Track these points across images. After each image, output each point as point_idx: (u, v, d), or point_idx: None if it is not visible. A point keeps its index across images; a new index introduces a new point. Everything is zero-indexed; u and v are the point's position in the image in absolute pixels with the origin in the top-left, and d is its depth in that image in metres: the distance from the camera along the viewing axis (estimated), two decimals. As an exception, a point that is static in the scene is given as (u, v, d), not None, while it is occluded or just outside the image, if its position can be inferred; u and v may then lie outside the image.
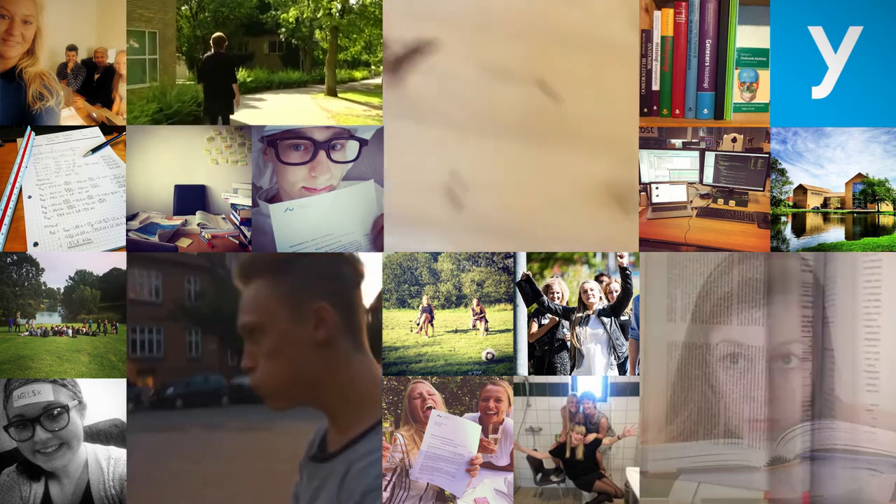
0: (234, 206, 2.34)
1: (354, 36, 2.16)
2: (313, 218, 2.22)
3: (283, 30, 2.25)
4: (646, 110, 2.33)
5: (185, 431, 2.44)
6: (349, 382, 1.52)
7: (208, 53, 2.36)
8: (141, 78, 2.30)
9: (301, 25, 2.24)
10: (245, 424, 2.40)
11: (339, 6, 2.18)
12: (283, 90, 2.28)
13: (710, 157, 2.37)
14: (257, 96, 2.32)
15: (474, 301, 2.38)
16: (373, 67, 2.18)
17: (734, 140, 2.33)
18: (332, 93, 2.26)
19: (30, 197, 2.29)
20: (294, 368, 1.51)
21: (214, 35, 2.33)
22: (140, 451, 2.26)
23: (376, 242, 2.25)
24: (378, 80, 2.15)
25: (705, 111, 2.34)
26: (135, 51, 2.26)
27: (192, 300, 2.43)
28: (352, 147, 2.25)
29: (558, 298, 2.39)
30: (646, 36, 2.31)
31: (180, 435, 2.43)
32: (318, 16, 2.19)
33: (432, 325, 2.38)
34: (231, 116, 2.32)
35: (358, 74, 2.28)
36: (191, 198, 2.38)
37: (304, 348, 1.51)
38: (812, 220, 2.33)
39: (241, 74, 2.36)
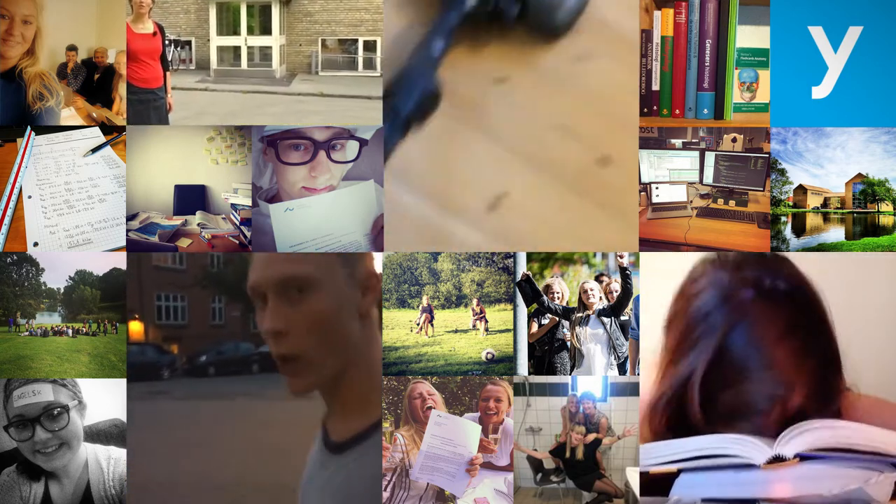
0: (234, 206, 2.34)
1: None
2: (313, 218, 2.22)
3: None
4: (646, 110, 2.33)
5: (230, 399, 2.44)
6: (366, 366, 1.35)
7: None
8: None
9: None
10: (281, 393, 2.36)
11: None
12: None
13: (710, 157, 2.37)
14: None
15: (474, 301, 2.38)
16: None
17: (734, 140, 2.33)
18: None
19: (30, 197, 2.29)
20: (339, 338, 1.30)
21: None
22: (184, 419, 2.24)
23: (376, 242, 2.25)
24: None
25: (705, 111, 2.34)
26: None
27: (217, 266, 2.40)
28: (352, 147, 2.25)
29: (558, 298, 2.39)
30: (646, 36, 2.31)
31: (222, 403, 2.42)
32: None
33: (432, 325, 2.38)
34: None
35: None
36: (191, 198, 2.38)
37: (350, 316, 1.32)
38: (812, 220, 2.33)
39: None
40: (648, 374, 2.04)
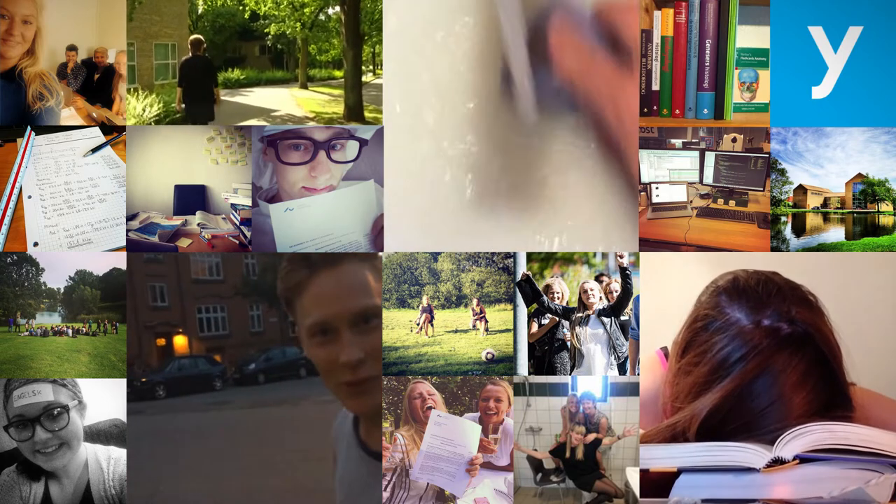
0: (234, 206, 2.34)
1: (322, 44, 2.51)
2: (313, 218, 2.23)
3: (270, 37, 2.50)
4: (646, 110, 2.33)
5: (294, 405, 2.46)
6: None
7: (186, 57, 2.39)
8: (166, 76, 2.44)
9: (285, 35, 2.50)
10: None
11: (309, 21, 2.47)
12: (268, 86, 2.54)
13: (710, 157, 2.37)
14: (248, 90, 2.51)
15: (474, 301, 2.38)
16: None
17: (734, 140, 2.33)
18: (304, 86, 2.53)
19: (30, 197, 2.29)
20: (380, 358, 1.53)
21: (192, 37, 2.36)
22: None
23: (376, 242, 2.25)
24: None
25: (705, 111, 2.34)
26: (161, 57, 2.44)
27: (254, 274, 2.45)
28: (352, 147, 2.25)
29: (558, 298, 2.39)
30: (646, 36, 2.31)
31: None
32: (289, 31, 2.48)
33: (432, 325, 2.38)
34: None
35: (339, 73, 2.47)
36: (191, 198, 2.38)
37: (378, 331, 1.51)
38: (812, 220, 2.33)
39: (235, 73, 2.46)
40: (650, 383, 2.06)
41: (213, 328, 2.47)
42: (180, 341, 2.42)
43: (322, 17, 2.47)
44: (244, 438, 2.36)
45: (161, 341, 2.39)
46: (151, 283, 2.38)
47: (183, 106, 2.37)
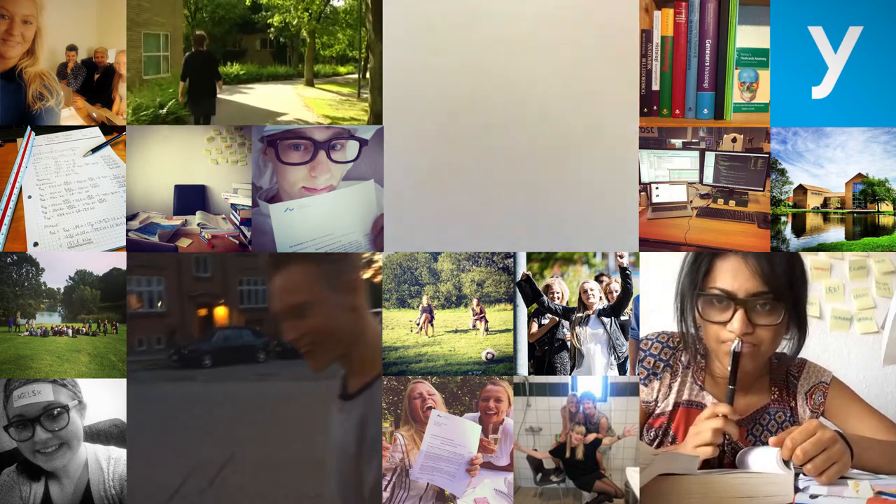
0: (234, 206, 2.35)
1: (326, 38, 2.43)
2: (313, 218, 2.22)
3: (273, 29, 2.43)
4: (646, 110, 2.33)
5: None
6: (364, 338, 1.94)
7: (190, 52, 2.37)
8: (157, 70, 2.40)
9: (288, 27, 2.44)
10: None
11: (317, 11, 2.40)
12: (270, 82, 2.46)
13: (710, 157, 2.37)
14: (249, 86, 2.46)
15: (474, 301, 2.38)
16: (361, 62, 2.41)
17: (734, 140, 2.33)
18: (310, 83, 2.46)
19: (30, 197, 2.29)
20: (335, 332, 1.89)
21: (196, 33, 2.35)
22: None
23: (376, 242, 2.25)
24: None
25: (705, 111, 2.34)
26: (151, 49, 2.39)
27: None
28: (352, 147, 2.25)
29: (558, 298, 2.39)
30: (646, 36, 2.31)
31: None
32: (296, 21, 2.41)
33: (432, 325, 2.38)
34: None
35: (343, 69, 2.43)
36: (191, 198, 2.38)
37: (341, 314, 1.90)
38: (812, 220, 2.33)
39: (235, 68, 2.43)
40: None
41: (252, 300, 2.48)
42: (220, 312, 2.44)
43: (328, 8, 2.39)
44: (293, 408, 2.38)
45: (202, 311, 2.40)
46: (195, 255, 2.38)
47: (185, 100, 2.36)
